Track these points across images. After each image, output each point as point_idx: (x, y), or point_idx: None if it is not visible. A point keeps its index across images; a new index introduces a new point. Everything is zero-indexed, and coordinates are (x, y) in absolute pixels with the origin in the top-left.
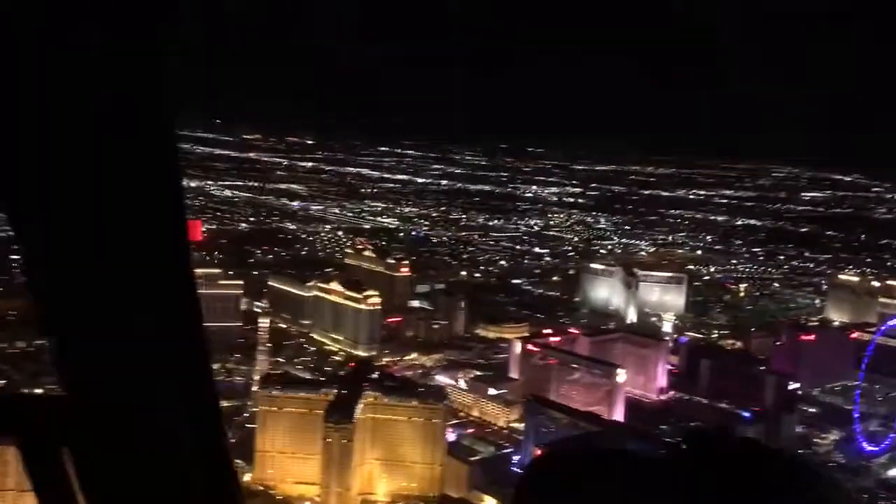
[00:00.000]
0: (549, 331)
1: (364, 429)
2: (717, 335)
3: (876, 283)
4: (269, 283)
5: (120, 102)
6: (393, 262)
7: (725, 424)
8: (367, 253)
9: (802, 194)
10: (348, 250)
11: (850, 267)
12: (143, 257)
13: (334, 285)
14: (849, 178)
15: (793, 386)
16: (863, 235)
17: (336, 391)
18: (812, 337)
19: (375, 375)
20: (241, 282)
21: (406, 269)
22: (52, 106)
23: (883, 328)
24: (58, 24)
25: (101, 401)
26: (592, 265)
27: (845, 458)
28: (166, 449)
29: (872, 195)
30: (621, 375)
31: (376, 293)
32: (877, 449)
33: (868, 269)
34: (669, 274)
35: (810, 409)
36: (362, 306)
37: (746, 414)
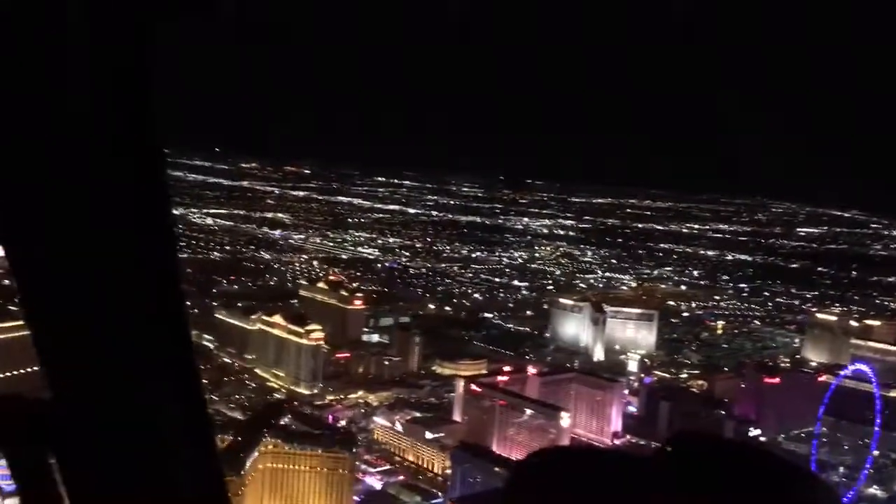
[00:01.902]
0: (508, 368)
1: (260, 480)
2: (686, 375)
3: (854, 323)
4: (217, 315)
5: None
6: (346, 294)
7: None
8: (320, 285)
9: (798, 230)
10: (302, 282)
11: (837, 305)
12: (129, 261)
13: (277, 319)
14: (847, 215)
15: (754, 432)
16: (854, 272)
17: (231, 438)
18: (776, 380)
19: (286, 419)
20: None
21: (360, 303)
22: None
23: (844, 371)
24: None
25: (87, 404)
26: (562, 300)
27: None
28: (154, 452)
29: (870, 231)
30: (565, 419)
31: (319, 328)
32: None
33: (855, 308)
34: (639, 310)
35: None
36: (304, 341)
37: None
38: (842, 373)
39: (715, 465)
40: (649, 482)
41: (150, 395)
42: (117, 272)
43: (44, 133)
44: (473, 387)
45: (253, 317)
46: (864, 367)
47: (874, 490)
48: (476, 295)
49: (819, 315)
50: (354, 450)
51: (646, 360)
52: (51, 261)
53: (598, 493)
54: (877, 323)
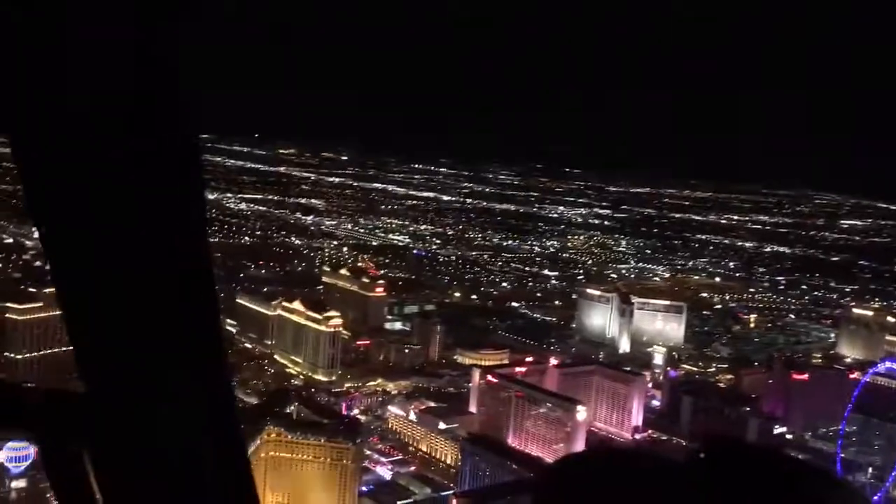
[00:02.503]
0: (530, 359)
1: (261, 469)
2: (714, 369)
3: (891, 319)
4: (238, 300)
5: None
6: (368, 281)
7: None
8: (342, 272)
9: (841, 222)
10: (325, 268)
11: (876, 300)
12: (162, 261)
13: (296, 305)
14: (894, 207)
15: (779, 430)
16: None
17: None
18: (805, 376)
19: (293, 406)
20: None
21: (381, 290)
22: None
23: (875, 367)
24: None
25: (122, 402)
26: (589, 290)
27: None
28: (185, 452)
29: None
30: (582, 413)
31: (337, 314)
32: None
33: (895, 303)
34: (668, 302)
35: (800, 457)
36: (322, 328)
37: None
38: (871, 370)
39: (748, 473)
40: (683, 490)
41: (185, 395)
42: (151, 273)
43: (76, 124)
44: (490, 377)
45: (273, 303)
46: (894, 365)
47: None
48: (504, 284)
49: (855, 310)
50: (359, 440)
51: (673, 353)
52: (86, 264)
53: (631, 500)
54: None
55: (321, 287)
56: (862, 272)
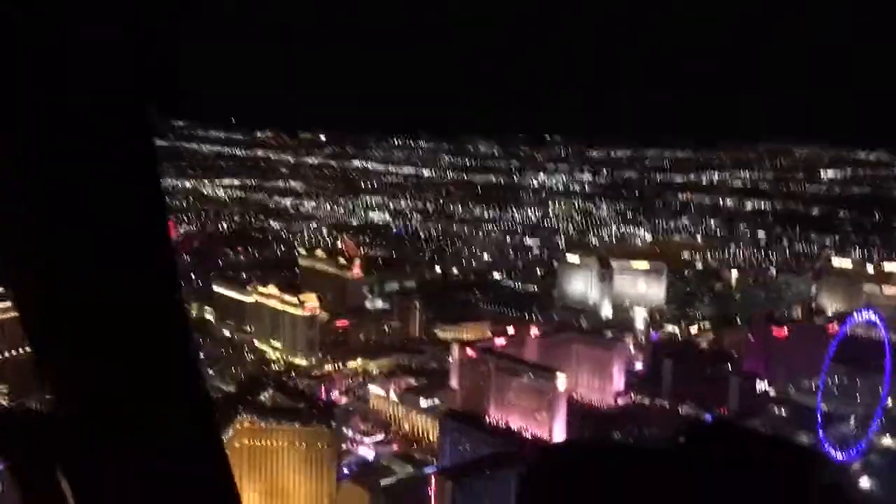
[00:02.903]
0: (511, 330)
1: (237, 458)
2: (696, 329)
3: (870, 269)
4: (214, 288)
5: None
6: (344, 262)
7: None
8: (318, 253)
9: (821, 174)
10: (301, 251)
11: (857, 250)
12: (127, 273)
13: (271, 290)
14: (872, 157)
15: (761, 387)
16: (876, 216)
17: None
18: (784, 332)
19: (268, 393)
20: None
21: (358, 270)
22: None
23: (851, 319)
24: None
25: (95, 419)
26: (569, 257)
27: None
28: (162, 464)
29: (895, 173)
30: (562, 381)
31: (313, 297)
32: (845, 457)
33: (875, 252)
34: (648, 264)
35: (781, 412)
36: (299, 311)
37: (707, 419)
38: (847, 322)
39: (727, 457)
40: (664, 476)
41: (158, 407)
42: (117, 286)
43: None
44: (469, 351)
45: (248, 288)
46: (870, 315)
47: (887, 441)
48: (485, 256)
49: (835, 261)
50: (335, 423)
51: (656, 315)
52: (46, 275)
53: (614, 490)
54: (894, 267)
55: (298, 271)
56: (843, 223)
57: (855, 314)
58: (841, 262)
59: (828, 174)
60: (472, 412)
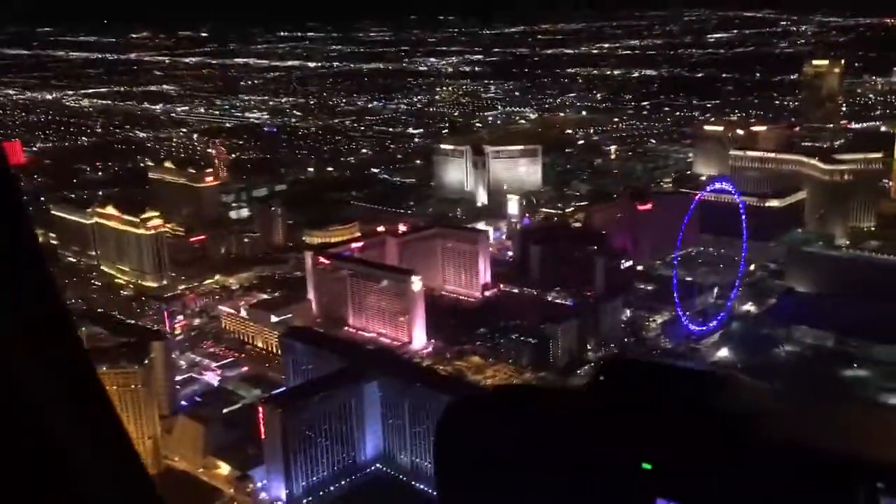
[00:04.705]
0: (381, 228)
1: None
2: (573, 208)
3: (740, 131)
4: (53, 211)
5: None
6: (195, 172)
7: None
8: (167, 164)
9: (708, 37)
10: (150, 163)
11: (736, 112)
12: None
13: (110, 210)
14: (760, 15)
15: (626, 264)
16: (758, 74)
17: None
18: (648, 206)
19: (82, 330)
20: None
21: (212, 179)
22: None
23: (704, 189)
24: None
25: None
26: (442, 146)
27: (671, 343)
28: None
29: (778, 30)
30: (416, 283)
31: (156, 214)
32: (703, 328)
33: (754, 113)
34: (521, 147)
35: (648, 287)
36: (142, 231)
37: (570, 304)
38: (701, 192)
39: (643, 392)
40: (584, 415)
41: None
42: None
43: None
44: (322, 259)
45: (88, 210)
46: (723, 184)
47: (748, 307)
48: (365, 150)
49: (706, 127)
50: (147, 359)
51: (532, 198)
52: None
53: (537, 433)
54: (762, 128)
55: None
56: (725, 86)
57: (708, 187)
58: (713, 127)
59: (715, 37)
60: (328, 322)
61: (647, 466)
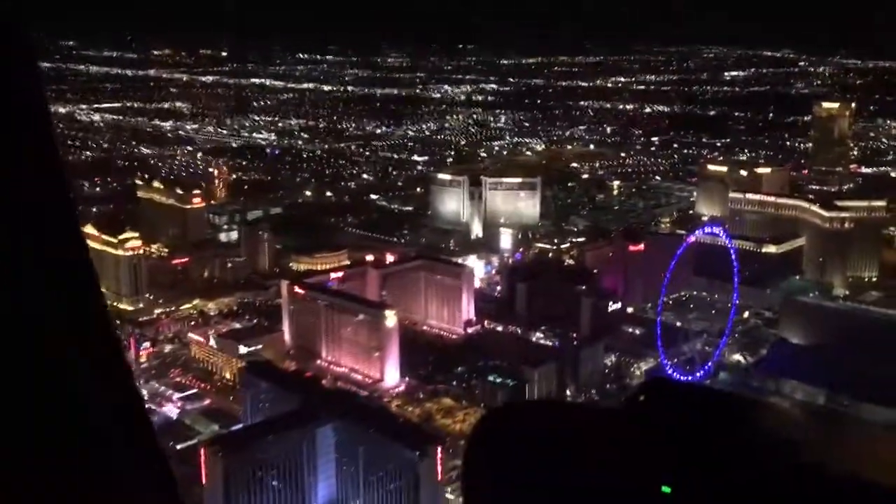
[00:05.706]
0: (371, 257)
1: None
2: (569, 244)
3: (744, 172)
4: None
5: None
6: (182, 193)
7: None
8: (156, 184)
9: (725, 74)
10: (139, 182)
11: (745, 152)
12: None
13: (89, 229)
14: (779, 55)
15: (614, 306)
16: (771, 114)
17: None
18: (640, 247)
19: None
20: None
21: (199, 200)
22: None
23: (692, 234)
24: None
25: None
26: (440, 175)
27: None
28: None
29: (796, 70)
30: (391, 318)
31: (135, 235)
32: (688, 378)
33: (763, 153)
34: (520, 179)
35: (636, 331)
36: (119, 252)
37: (555, 345)
38: (689, 236)
39: (683, 416)
40: (620, 435)
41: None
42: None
43: None
44: (297, 289)
45: None
46: (715, 228)
47: (738, 356)
48: (366, 175)
49: (709, 166)
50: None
51: (529, 232)
52: None
53: (571, 449)
54: (766, 170)
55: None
56: (736, 124)
57: (698, 231)
58: (716, 167)
59: (731, 75)
60: (301, 354)
61: (666, 490)
